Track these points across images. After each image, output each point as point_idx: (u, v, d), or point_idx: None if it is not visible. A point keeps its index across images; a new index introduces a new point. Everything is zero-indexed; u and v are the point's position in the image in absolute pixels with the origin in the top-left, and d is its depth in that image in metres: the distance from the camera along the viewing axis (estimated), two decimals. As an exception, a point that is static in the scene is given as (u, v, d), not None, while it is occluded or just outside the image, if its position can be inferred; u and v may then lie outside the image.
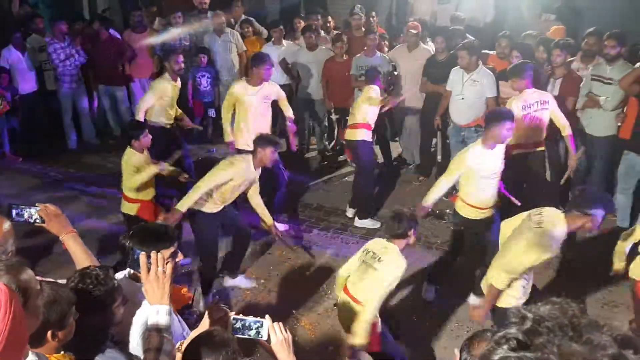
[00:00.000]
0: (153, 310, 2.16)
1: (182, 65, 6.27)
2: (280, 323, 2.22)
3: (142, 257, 2.18)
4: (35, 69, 7.97)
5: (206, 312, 2.40)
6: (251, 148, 5.20)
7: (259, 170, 4.94)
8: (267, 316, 2.23)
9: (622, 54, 5.72)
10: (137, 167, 4.96)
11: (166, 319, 2.16)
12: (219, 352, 2.27)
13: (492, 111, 5.17)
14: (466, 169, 4.65)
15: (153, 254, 2.19)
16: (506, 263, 3.64)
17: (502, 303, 3.75)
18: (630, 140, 5.71)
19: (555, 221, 3.59)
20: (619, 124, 5.82)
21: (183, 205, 4.62)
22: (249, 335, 2.21)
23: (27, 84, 7.87)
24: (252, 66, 6.07)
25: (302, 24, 8.29)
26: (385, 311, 4.08)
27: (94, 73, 8.36)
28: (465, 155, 4.69)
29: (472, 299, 4.26)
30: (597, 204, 3.52)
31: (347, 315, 3.86)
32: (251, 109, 6.05)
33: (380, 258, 3.79)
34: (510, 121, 4.54)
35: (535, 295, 3.87)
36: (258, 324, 2.20)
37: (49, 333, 2.08)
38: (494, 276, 3.66)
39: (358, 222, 6.33)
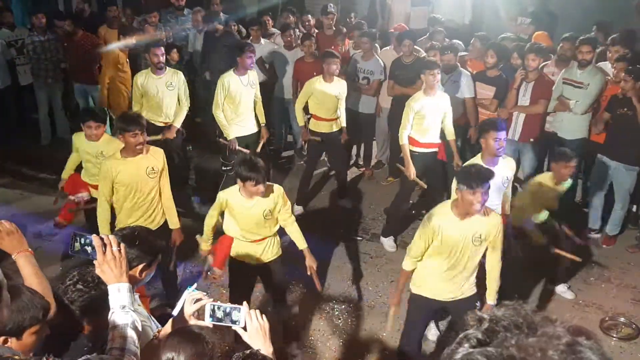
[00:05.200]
0: (114, 289, 2.14)
1: (162, 57, 6.09)
2: (257, 310, 2.21)
3: (96, 239, 2.15)
4: (7, 64, 7.83)
5: (184, 299, 2.39)
6: None
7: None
8: (244, 303, 2.22)
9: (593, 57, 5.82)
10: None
11: (128, 296, 2.15)
12: (195, 347, 2.26)
13: (480, 123, 5.13)
14: None
15: (104, 235, 2.19)
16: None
17: None
18: (603, 144, 5.80)
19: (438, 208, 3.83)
20: (600, 128, 5.86)
21: None
22: (226, 322, 2.20)
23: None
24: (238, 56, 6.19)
25: (271, 22, 8.29)
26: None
27: (69, 71, 8.23)
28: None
29: None
30: (461, 179, 3.61)
31: None
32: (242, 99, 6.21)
33: None
34: (495, 130, 4.34)
35: (505, 297, 3.90)
36: (235, 311, 2.19)
37: (1, 338, 2.05)
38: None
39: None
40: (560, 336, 1.00)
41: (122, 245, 2.19)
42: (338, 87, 6.27)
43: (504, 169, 4.49)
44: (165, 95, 6.19)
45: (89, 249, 2.17)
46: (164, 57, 6.14)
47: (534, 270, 5.31)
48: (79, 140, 5.23)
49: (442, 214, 3.73)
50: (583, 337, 1.01)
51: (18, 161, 7.72)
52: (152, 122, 6.10)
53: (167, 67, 6.24)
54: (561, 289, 5.24)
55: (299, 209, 6.50)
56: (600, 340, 1.02)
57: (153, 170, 4.47)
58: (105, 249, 2.14)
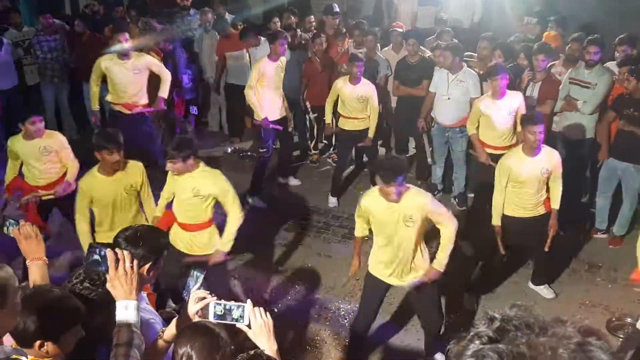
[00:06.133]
0: (122, 306, 2.13)
1: (126, 44, 6.22)
2: (261, 308, 2.21)
3: (110, 253, 2.14)
4: (14, 64, 7.84)
5: (188, 298, 2.39)
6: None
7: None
8: (248, 300, 2.22)
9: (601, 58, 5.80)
10: None
11: (135, 314, 2.14)
12: (209, 340, 2.26)
13: (523, 115, 5.27)
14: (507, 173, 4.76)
15: (119, 250, 2.17)
16: None
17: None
18: (612, 145, 5.77)
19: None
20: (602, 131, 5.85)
21: None
22: (230, 320, 2.20)
23: (6, 79, 7.74)
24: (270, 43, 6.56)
25: (278, 24, 8.30)
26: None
27: (77, 72, 8.24)
28: (504, 160, 4.82)
29: None
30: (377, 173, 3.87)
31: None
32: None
33: None
34: (532, 124, 4.54)
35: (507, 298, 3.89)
36: (239, 309, 2.19)
37: (37, 342, 2.05)
38: None
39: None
40: (571, 336, 1.01)
41: (135, 261, 2.19)
42: (363, 89, 6.36)
43: (543, 161, 4.69)
44: (130, 79, 6.32)
45: (101, 261, 2.19)
46: (128, 42, 6.23)
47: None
48: (17, 144, 5.11)
49: (371, 196, 4.03)
50: (594, 337, 1.02)
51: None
52: (116, 103, 6.40)
53: (132, 52, 6.35)
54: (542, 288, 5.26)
55: (333, 201, 6.80)
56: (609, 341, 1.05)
57: (132, 187, 4.49)
58: (118, 265, 2.14)
